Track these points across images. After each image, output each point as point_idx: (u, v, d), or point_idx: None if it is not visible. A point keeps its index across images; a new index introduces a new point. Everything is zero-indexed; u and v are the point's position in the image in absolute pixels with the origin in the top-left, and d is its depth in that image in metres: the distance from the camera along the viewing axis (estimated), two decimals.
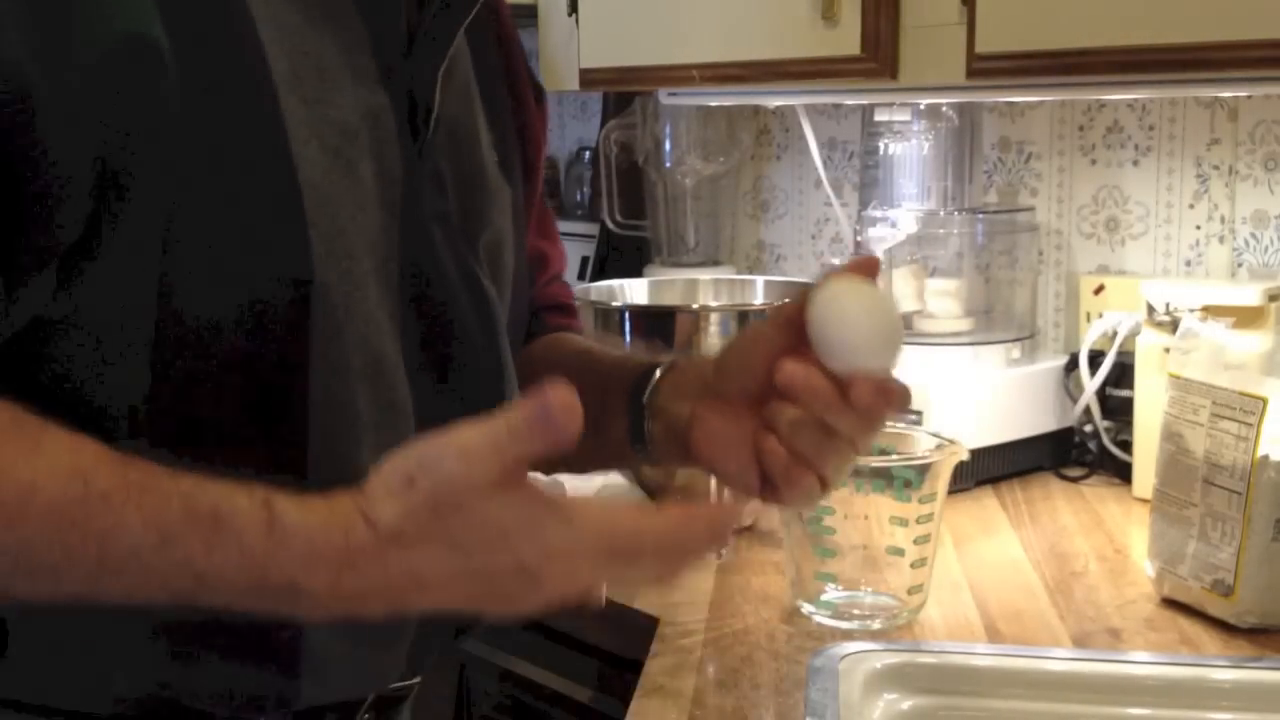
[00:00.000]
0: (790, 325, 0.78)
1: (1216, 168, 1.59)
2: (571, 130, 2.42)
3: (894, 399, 0.77)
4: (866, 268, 0.77)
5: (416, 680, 0.92)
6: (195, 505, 0.67)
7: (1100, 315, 1.60)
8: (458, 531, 0.66)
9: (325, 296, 0.76)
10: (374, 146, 0.80)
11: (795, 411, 0.78)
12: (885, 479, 1.10)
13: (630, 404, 0.91)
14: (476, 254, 0.89)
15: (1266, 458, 1.06)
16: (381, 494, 0.67)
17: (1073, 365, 1.60)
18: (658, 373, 0.91)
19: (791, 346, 0.78)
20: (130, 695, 0.78)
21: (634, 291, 1.53)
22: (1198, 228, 1.61)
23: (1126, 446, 1.53)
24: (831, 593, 1.14)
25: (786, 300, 0.85)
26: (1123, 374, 1.54)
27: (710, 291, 1.56)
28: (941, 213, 1.66)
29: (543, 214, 1.09)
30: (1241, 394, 1.08)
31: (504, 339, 0.90)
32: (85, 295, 0.71)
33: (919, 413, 1.48)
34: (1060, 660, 1.01)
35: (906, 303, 1.62)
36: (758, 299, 1.54)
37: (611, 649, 1.26)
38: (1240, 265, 1.58)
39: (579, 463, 1.05)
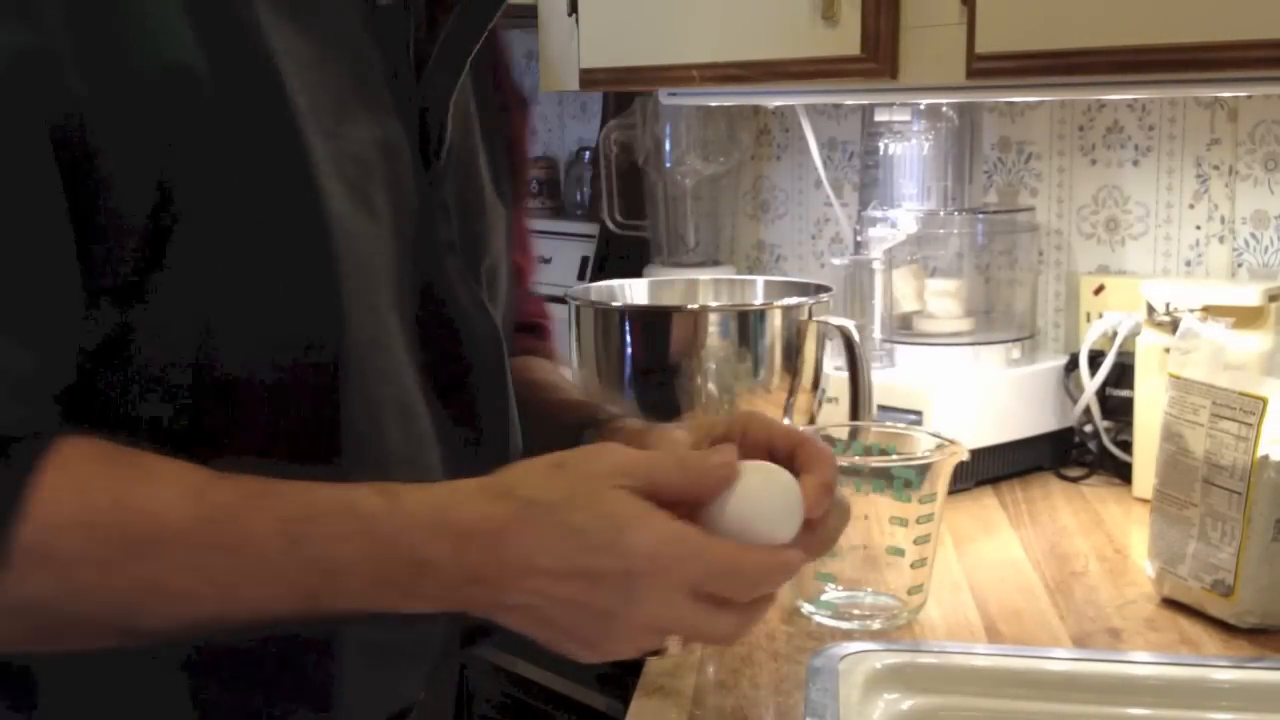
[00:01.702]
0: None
1: (1216, 168, 1.59)
2: (571, 130, 2.42)
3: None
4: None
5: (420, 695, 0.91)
6: (316, 500, 0.68)
7: (1100, 315, 1.60)
8: (579, 518, 0.68)
9: (356, 332, 0.75)
10: (389, 178, 0.79)
11: None
12: (885, 479, 1.10)
13: None
14: (480, 280, 0.88)
15: (1266, 458, 1.06)
16: (520, 474, 0.70)
17: (1073, 365, 1.60)
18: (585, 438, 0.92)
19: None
20: None
21: (634, 291, 1.53)
22: (1198, 228, 1.61)
23: (1126, 446, 1.53)
24: (831, 593, 1.14)
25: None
26: (1123, 374, 1.54)
27: (710, 291, 1.56)
28: (941, 213, 1.66)
29: (519, 225, 1.08)
30: (1241, 394, 1.08)
31: (509, 366, 0.90)
32: (134, 327, 0.71)
33: (919, 413, 1.48)
34: (1060, 660, 1.01)
35: (907, 303, 1.62)
36: (758, 299, 1.54)
37: None
38: (1240, 265, 1.58)
39: None
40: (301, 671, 0.77)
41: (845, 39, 1.42)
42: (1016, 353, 1.61)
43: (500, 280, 0.93)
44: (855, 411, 1.35)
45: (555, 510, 0.69)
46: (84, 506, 0.65)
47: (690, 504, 0.73)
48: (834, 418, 1.44)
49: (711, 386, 1.38)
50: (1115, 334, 1.56)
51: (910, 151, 1.67)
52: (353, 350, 0.75)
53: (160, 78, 0.68)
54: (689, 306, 1.42)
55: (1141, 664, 1.02)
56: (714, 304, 1.46)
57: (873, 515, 1.11)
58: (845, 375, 1.37)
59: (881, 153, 1.69)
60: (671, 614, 0.71)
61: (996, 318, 1.66)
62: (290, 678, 0.77)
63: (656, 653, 0.72)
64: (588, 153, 2.33)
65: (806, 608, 1.14)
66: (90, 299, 0.69)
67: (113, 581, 0.66)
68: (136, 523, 0.66)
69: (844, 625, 1.11)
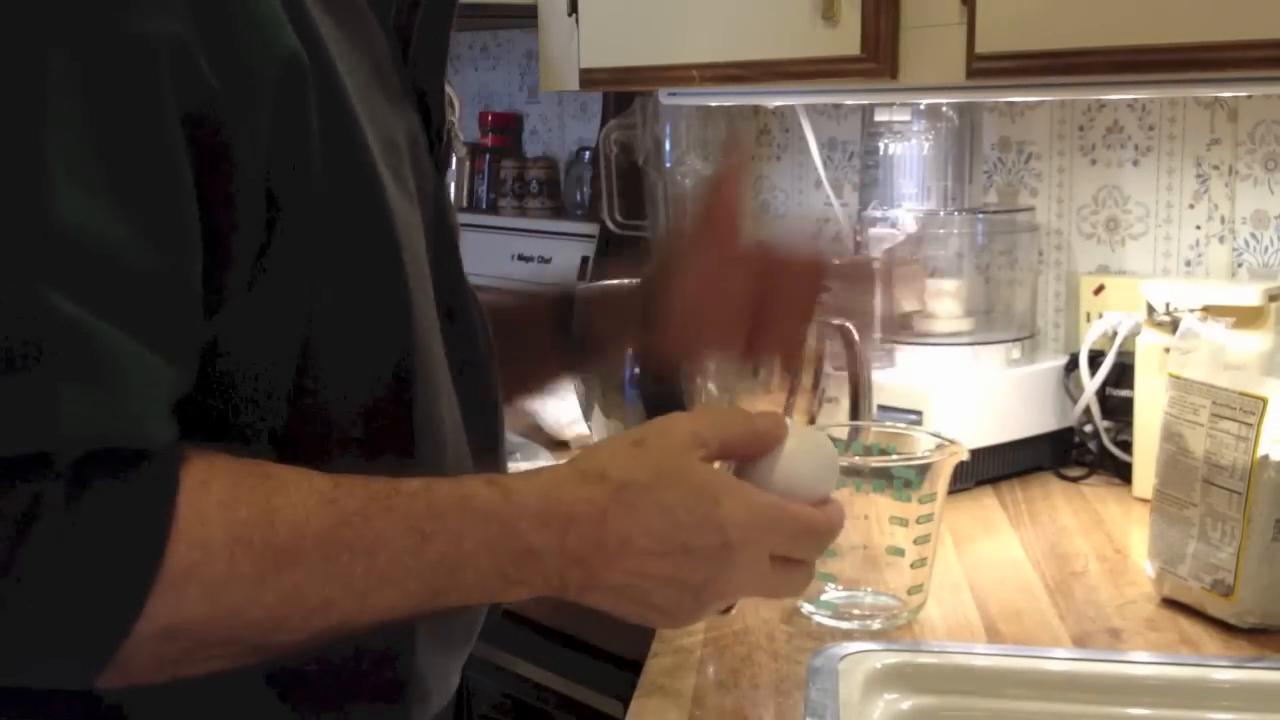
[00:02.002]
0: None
1: (1216, 168, 1.59)
2: (571, 130, 2.42)
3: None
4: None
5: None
6: (436, 497, 0.69)
7: (1100, 315, 1.60)
8: (673, 496, 0.71)
9: (418, 321, 0.75)
10: (414, 163, 0.79)
11: None
12: (885, 479, 1.10)
13: (562, 328, 1.00)
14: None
15: (1266, 458, 1.06)
16: (606, 455, 0.72)
17: (1073, 365, 1.60)
18: (581, 299, 1.00)
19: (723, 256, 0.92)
20: None
21: None
22: (1198, 228, 1.61)
23: (1126, 446, 1.53)
24: (831, 593, 1.14)
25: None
26: (1123, 374, 1.54)
27: None
28: (941, 213, 1.65)
29: None
30: (1241, 394, 1.08)
31: (494, 348, 0.90)
32: (239, 331, 0.69)
33: (919, 413, 1.48)
34: (1060, 660, 1.01)
35: (906, 303, 1.62)
36: None
37: (611, 649, 1.26)
38: (1240, 265, 1.58)
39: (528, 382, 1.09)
40: (382, 666, 0.77)
41: (845, 39, 1.42)
42: (1016, 353, 1.60)
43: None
44: (855, 411, 1.35)
45: (649, 490, 0.71)
46: (233, 522, 0.64)
47: (748, 459, 0.77)
48: (834, 418, 1.44)
49: (711, 386, 1.38)
50: (1115, 334, 1.56)
51: (910, 151, 1.66)
52: (418, 336, 0.75)
53: (276, 70, 0.67)
54: None
55: (1141, 664, 1.02)
56: None
57: (873, 515, 1.11)
58: (845, 375, 1.37)
59: (881, 153, 1.69)
60: (755, 580, 0.74)
61: (996, 318, 1.66)
62: (372, 673, 0.77)
63: (727, 610, 0.78)
64: (588, 153, 2.33)
65: (806, 608, 1.14)
66: (208, 306, 0.67)
67: (259, 597, 0.65)
68: (281, 535, 0.65)
69: (844, 625, 1.11)
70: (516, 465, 1.41)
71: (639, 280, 0.99)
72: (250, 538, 0.64)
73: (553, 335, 1.01)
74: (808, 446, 0.78)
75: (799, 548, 0.76)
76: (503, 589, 0.71)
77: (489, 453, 0.87)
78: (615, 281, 1.01)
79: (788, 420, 0.79)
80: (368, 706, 0.77)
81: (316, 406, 0.72)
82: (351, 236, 0.71)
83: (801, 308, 0.96)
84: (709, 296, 0.93)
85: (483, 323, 0.88)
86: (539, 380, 1.13)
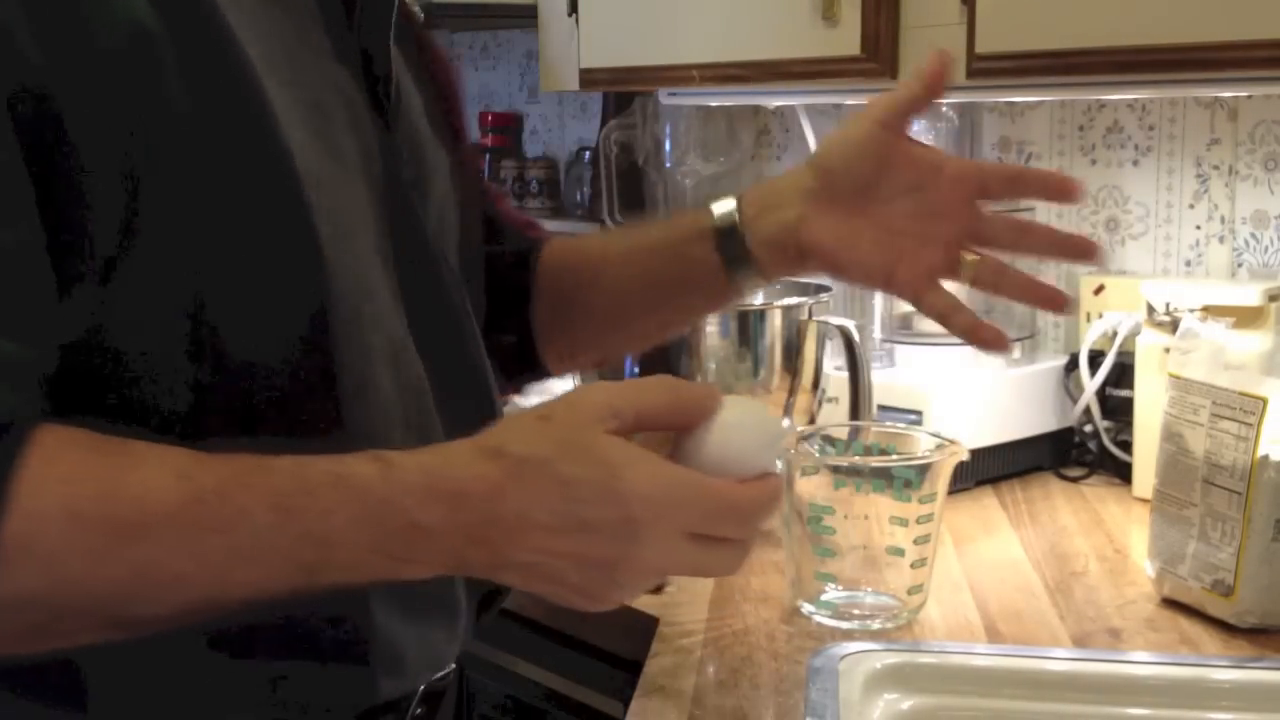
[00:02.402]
0: (887, 119, 0.96)
1: (1216, 168, 1.59)
2: (571, 130, 2.43)
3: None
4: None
5: (452, 668, 0.91)
6: (308, 474, 0.68)
7: (1100, 315, 1.60)
8: (573, 470, 0.68)
9: (340, 280, 0.75)
10: (351, 123, 0.80)
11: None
12: (885, 479, 1.10)
13: (720, 241, 0.96)
14: (430, 221, 0.89)
15: (1266, 458, 1.06)
16: (508, 431, 0.70)
17: (1073, 365, 1.60)
18: (733, 204, 0.98)
19: (892, 137, 0.96)
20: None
21: None
22: (1198, 228, 1.61)
23: (1126, 446, 1.53)
24: (831, 593, 1.14)
25: (876, 99, 0.99)
26: (1123, 374, 1.54)
27: None
28: None
29: (472, 166, 1.09)
30: (1241, 394, 1.08)
31: (469, 305, 0.90)
32: (119, 307, 0.70)
33: (919, 413, 1.48)
34: (1060, 660, 1.01)
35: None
36: (758, 299, 1.54)
37: (611, 649, 1.26)
38: (1240, 265, 1.58)
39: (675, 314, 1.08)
40: (335, 625, 0.77)
41: (845, 39, 1.42)
42: (1016, 353, 1.60)
43: (448, 223, 0.93)
44: (855, 411, 1.35)
45: (548, 465, 0.68)
46: (69, 496, 0.65)
47: (675, 430, 0.74)
48: (834, 418, 1.44)
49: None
50: (1115, 334, 1.56)
51: None
52: (339, 299, 0.75)
53: (119, 41, 0.67)
54: None
55: (1141, 664, 1.02)
56: None
57: (873, 515, 1.11)
58: (845, 375, 1.37)
59: None
60: (672, 557, 0.71)
61: (996, 318, 1.65)
62: (325, 632, 0.77)
63: (658, 590, 0.73)
64: (588, 153, 2.33)
65: (806, 608, 1.14)
66: (68, 282, 0.67)
67: (102, 570, 0.65)
68: (123, 509, 0.65)
69: (844, 625, 1.11)
70: None
71: (797, 190, 1.00)
72: (89, 512, 0.64)
73: (716, 257, 0.98)
74: (745, 419, 0.75)
75: (719, 525, 0.72)
76: (391, 567, 0.69)
77: (476, 419, 0.87)
78: (770, 191, 1.02)
79: (723, 393, 0.75)
80: (333, 667, 0.77)
81: (226, 378, 0.72)
82: (244, 201, 0.71)
83: (961, 219, 0.97)
84: (874, 201, 0.95)
85: (453, 285, 0.88)
86: (709, 307, 1.14)
